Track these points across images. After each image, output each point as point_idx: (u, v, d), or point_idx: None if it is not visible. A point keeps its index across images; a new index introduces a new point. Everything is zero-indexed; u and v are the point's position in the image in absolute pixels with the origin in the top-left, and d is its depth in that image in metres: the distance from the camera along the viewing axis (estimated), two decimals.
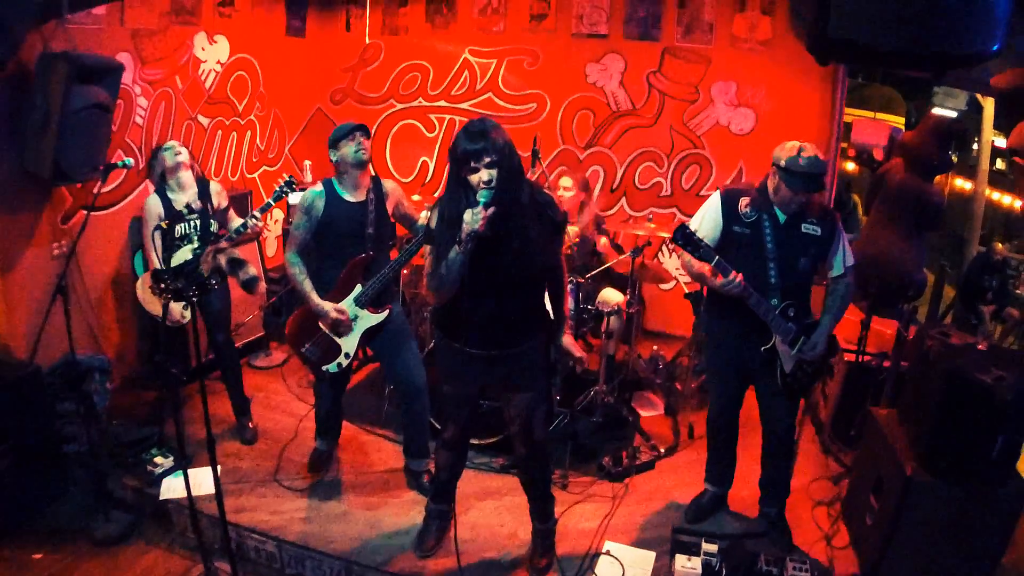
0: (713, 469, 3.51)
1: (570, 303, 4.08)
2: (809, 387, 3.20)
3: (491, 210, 2.42)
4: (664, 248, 5.70)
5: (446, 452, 3.10)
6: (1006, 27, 1.98)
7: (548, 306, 2.93)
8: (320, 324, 3.37)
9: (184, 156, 3.73)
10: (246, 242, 4.00)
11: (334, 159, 3.30)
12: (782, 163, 2.86)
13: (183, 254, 3.69)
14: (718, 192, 3.11)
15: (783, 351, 3.05)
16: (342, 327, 3.34)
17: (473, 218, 2.41)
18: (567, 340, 3.00)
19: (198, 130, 4.93)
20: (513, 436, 2.95)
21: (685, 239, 2.83)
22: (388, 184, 3.47)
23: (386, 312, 3.40)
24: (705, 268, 2.95)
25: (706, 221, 3.09)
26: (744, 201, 3.02)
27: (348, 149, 3.24)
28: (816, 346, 3.02)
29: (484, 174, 2.44)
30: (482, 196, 2.43)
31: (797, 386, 3.12)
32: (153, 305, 3.81)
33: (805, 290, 3.08)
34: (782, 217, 2.98)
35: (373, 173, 3.43)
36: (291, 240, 3.34)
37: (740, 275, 2.86)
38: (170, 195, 3.71)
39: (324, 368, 3.43)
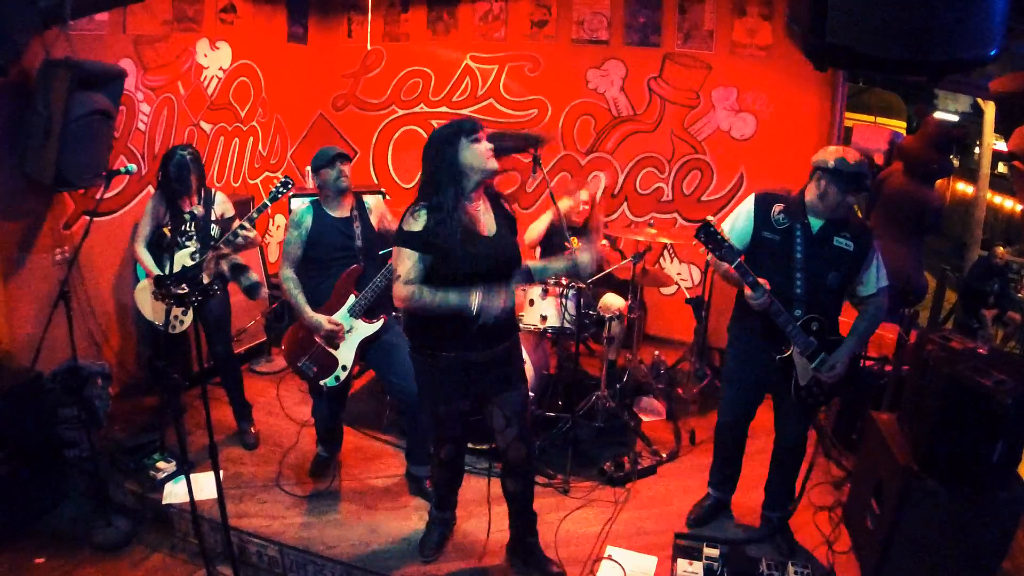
0: (717, 474, 3.49)
1: (571, 306, 4.08)
2: (824, 403, 3.12)
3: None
4: (665, 253, 5.71)
5: (443, 471, 3.08)
6: (1003, 32, 1.98)
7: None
8: (316, 338, 3.38)
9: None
10: (249, 247, 4.00)
11: (316, 182, 3.39)
12: (830, 165, 2.80)
13: (182, 258, 3.70)
14: (753, 195, 3.03)
15: (800, 363, 2.98)
16: (337, 339, 3.36)
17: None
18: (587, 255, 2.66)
19: (200, 136, 4.95)
20: (510, 442, 2.85)
21: (707, 236, 2.70)
22: (371, 200, 3.53)
23: (380, 322, 3.41)
24: (731, 269, 2.82)
25: (737, 223, 3.02)
26: (778, 207, 2.94)
27: (329, 176, 3.33)
28: (835, 367, 2.91)
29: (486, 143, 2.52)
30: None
31: (811, 400, 3.04)
32: (147, 308, 3.83)
33: (833, 307, 2.98)
34: (815, 227, 2.90)
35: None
36: (285, 256, 3.39)
37: (766, 281, 2.78)
38: (177, 198, 3.72)
39: (322, 383, 3.42)
